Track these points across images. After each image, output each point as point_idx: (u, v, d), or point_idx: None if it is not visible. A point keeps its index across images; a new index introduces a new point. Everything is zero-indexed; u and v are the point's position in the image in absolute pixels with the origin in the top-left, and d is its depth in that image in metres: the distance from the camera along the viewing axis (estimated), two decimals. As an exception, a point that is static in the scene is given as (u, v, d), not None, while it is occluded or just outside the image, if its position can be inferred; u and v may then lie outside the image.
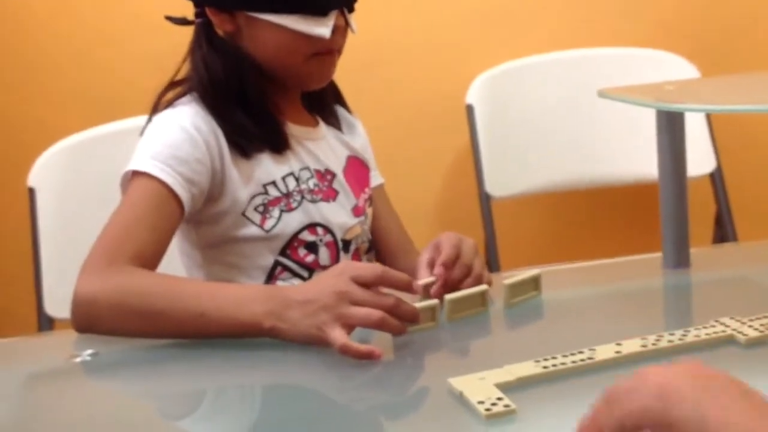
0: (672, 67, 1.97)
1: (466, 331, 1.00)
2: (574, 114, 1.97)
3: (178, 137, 1.11)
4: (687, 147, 1.94)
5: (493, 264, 1.90)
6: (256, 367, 0.95)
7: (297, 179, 1.17)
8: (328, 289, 0.93)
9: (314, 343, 0.93)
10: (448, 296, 1.02)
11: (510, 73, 1.96)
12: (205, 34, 1.16)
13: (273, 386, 0.94)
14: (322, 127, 1.23)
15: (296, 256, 1.16)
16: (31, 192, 1.45)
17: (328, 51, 1.14)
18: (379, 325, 0.92)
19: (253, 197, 1.14)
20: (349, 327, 0.92)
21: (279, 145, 1.16)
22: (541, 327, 1.03)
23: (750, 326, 0.92)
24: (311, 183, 1.18)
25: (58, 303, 1.43)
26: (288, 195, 1.16)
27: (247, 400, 0.93)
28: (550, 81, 1.97)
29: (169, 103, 1.16)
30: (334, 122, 1.26)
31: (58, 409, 0.89)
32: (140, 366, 0.97)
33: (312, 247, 1.17)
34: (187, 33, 1.81)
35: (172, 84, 1.19)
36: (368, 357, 0.90)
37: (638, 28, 2.02)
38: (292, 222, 1.16)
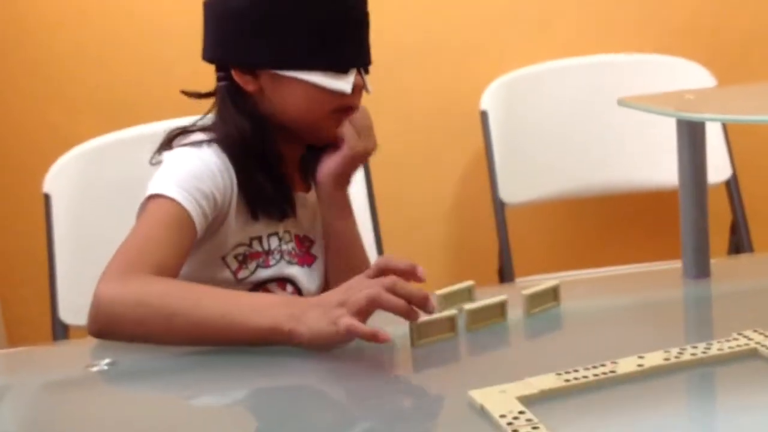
0: (687, 74, 1.96)
1: (486, 342, 0.99)
2: (588, 120, 1.96)
3: (203, 171, 1.14)
4: (703, 155, 1.94)
5: (507, 271, 1.89)
6: (272, 376, 0.94)
7: (279, 239, 1.23)
8: (340, 289, 0.97)
9: (330, 342, 0.94)
10: (468, 306, 1.02)
11: (524, 79, 1.96)
12: (230, 96, 1.20)
13: (291, 395, 0.93)
14: (312, 193, 1.27)
15: None
16: (47, 198, 1.45)
17: (348, 109, 1.20)
18: (377, 302, 0.93)
19: (237, 246, 1.19)
20: (362, 316, 0.93)
21: (287, 214, 1.22)
22: (561, 338, 1.02)
23: (774, 339, 0.91)
24: (290, 246, 1.24)
25: (72, 310, 1.43)
26: (269, 252, 1.22)
27: (263, 409, 0.92)
28: (565, 87, 1.97)
29: (192, 144, 1.19)
30: None
31: (75, 419, 0.89)
32: (158, 375, 0.96)
33: None
34: (200, 38, 1.82)
35: (185, 131, 1.22)
36: (374, 338, 0.91)
37: (654, 34, 2.02)
38: (264, 275, 1.21)
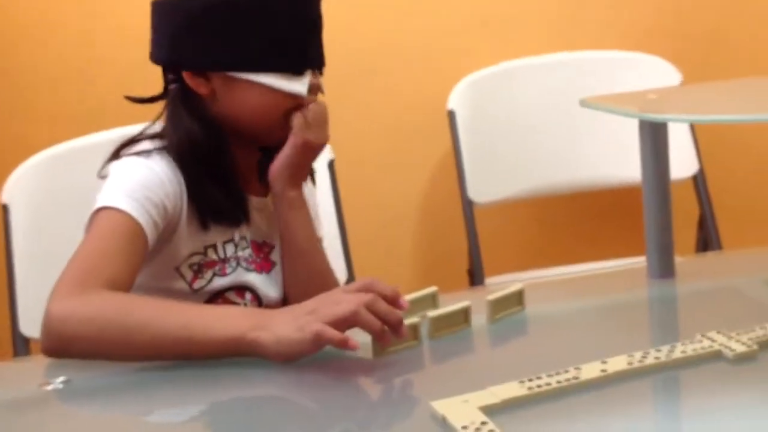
0: (654, 71, 1.96)
1: (449, 350, 0.98)
2: (556, 118, 1.96)
3: (152, 180, 1.11)
4: (670, 150, 1.95)
5: (477, 270, 1.88)
6: (232, 388, 0.92)
7: (236, 246, 1.19)
8: (313, 299, 0.95)
9: (296, 350, 0.91)
10: (431, 313, 1.00)
11: (491, 78, 1.95)
12: (181, 100, 1.17)
13: (252, 408, 0.91)
14: (270, 195, 1.23)
15: None
16: (4, 208, 1.42)
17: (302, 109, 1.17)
18: (354, 317, 0.91)
19: (191, 255, 1.16)
20: (336, 327, 0.91)
21: (240, 221, 1.19)
22: (526, 344, 1.01)
23: (737, 341, 0.90)
24: (246, 252, 1.21)
25: (33, 322, 1.39)
26: (224, 260, 1.19)
27: (224, 423, 0.90)
28: (532, 85, 1.96)
29: (139, 153, 1.16)
30: None
31: None
32: (115, 393, 0.94)
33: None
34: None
35: (133, 140, 1.18)
36: (344, 345, 0.90)
37: (620, 31, 2.01)
38: (221, 284, 1.18)
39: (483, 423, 0.79)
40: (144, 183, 1.10)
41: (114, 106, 1.75)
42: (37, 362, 1.00)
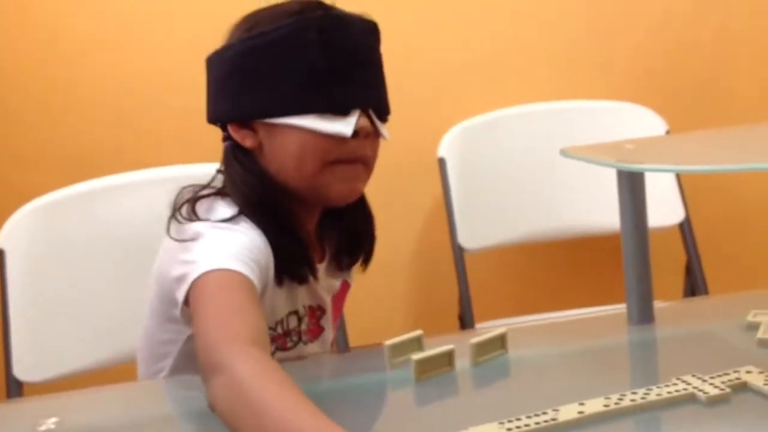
0: (641, 120, 2.00)
1: (433, 392, 1.00)
2: (545, 166, 1.99)
3: (253, 244, 1.03)
4: (655, 198, 1.97)
5: (467, 316, 1.90)
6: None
7: (299, 319, 1.15)
8: None
9: None
10: (415, 356, 1.03)
11: (481, 126, 1.99)
12: (234, 156, 1.10)
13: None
14: (323, 264, 1.17)
15: None
16: (1, 253, 1.44)
17: (352, 159, 1.07)
18: None
19: None
20: None
21: (307, 277, 1.10)
22: (507, 386, 1.03)
23: (711, 384, 0.92)
24: (305, 323, 1.15)
25: (26, 366, 1.42)
26: (287, 334, 1.14)
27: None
28: (522, 133, 2.00)
29: (225, 219, 1.06)
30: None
31: None
32: (105, 433, 0.96)
33: None
34: (159, 93, 1.83)
35: (198, 197, 1.10)
36: None
37: (608, 81, 2.06)
38: (279, 357, 1.12)
39: (462, 463, 0.81)
40: (247, 246, 1.02)
41: (105, 153, 1.80)
42: (30, 403, 1.02)
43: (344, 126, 1.05)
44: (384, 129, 1.11)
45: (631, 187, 1.08)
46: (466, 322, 1.90)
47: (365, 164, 1.10)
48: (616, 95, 2.04)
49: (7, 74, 1.80)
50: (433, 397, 1.00)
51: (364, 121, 1.07)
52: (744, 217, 2.13)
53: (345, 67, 1.06)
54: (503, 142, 1.99)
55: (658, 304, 1.16)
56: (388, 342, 1.05)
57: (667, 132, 1.95)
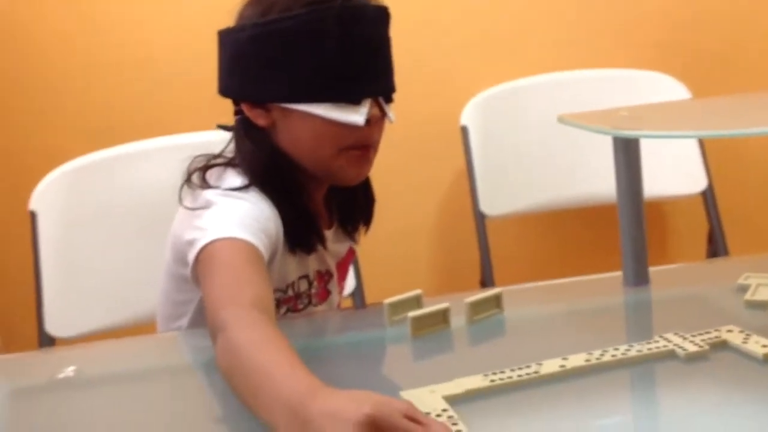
0: (663, 88, 2.00)
1: (427, 347, 1.04)
2: (566, 134, 2.00)
3: (262, 215, 1.08)
4: (678, 166, 1.98)
5: (488, 281, 1.94)
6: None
7: (309, 283, 1.19)
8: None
9: None
10: (411, 313, 1.07)
11: (504, 94, 2.01)
12: (245, 131, 1.14)
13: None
14: (332, 230, 1.22)
15: None
16: (33, 215, 1.52)
17: (363, 146, 1.12)
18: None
19: (275, 291, 1.11)
20: None
21: (315, 246, 1.15)
22: (500, 343, 1.07)
23: (691, 342, 0.96)
24: (314, 287, 1.20)
25: (58, 323, 1.50)
26: (297, 296, 1.18)
27: (220, 420, 0.97)
28: (543, 102, 2.02)
29: (235, 188, 1.11)
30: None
31: (41, 426, 0.93)
32: (122, 383, 1.01)
33: None
34: (180, 63, 1.88)
35: (208, 165, 1.15)
36: None
37: (630, 49, 2.07)
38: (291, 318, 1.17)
39: (444, 410, 0.86)
40: (255, 216, 1.07)
41: (133, 120, 1.86)
42: (52, 354, 1.09)
43: (357, 116, 1.09)
44: (391, 112, 1.15)
45: (627, 152, 1.11)
46: (487, 286, 1.94)
47: (374, 148, 1.16)
48: (637, 64, 2.04)
49: (44, 52, 1.87)
50: (429, 352, 1.04)
51: (375, 110, 1.11)
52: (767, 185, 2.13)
53: (359, 58, 1.09)
54: (524, 110, 2.01)
55: (655, 268, 1.19)
56: (388, 300, 1.10)
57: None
